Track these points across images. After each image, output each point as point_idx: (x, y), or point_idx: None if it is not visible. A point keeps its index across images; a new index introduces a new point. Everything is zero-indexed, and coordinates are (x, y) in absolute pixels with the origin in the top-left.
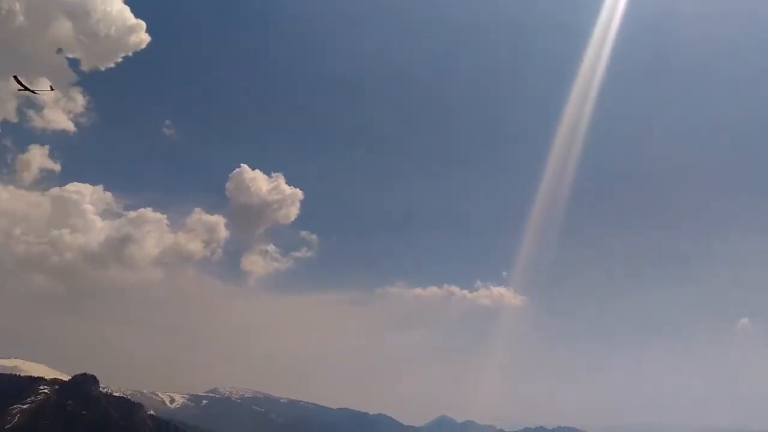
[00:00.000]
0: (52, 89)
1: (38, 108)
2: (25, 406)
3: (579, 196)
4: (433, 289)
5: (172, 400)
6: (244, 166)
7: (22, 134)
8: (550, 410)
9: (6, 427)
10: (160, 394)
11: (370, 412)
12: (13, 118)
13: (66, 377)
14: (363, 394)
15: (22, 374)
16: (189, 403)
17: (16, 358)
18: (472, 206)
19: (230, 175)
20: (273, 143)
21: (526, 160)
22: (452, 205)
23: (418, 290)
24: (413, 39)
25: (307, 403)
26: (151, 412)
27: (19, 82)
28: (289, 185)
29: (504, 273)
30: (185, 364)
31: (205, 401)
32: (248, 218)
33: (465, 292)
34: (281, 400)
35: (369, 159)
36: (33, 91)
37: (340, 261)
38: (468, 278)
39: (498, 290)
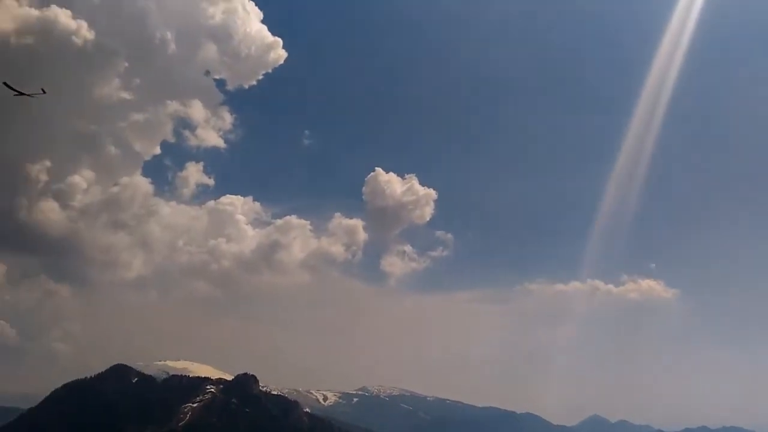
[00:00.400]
0: (43, 92)
1: (192, 128)
2: (195, 405)
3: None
4: (576, 284)
5: (325, 398)
6: (379, 170)
7: (179, 153)
8: (707, 409)
9: (180, 424)
10: (314, 392)
11: (518, 411)
12: (171, 138)
13: (229, 377)
14: (507, 393)
15: (191, 375)
16: (341, 401)
17: (185, 360)
18: (612, 196)
19: (366, 179)
20: (405, 146)
21: None
22: (590, 196)
23: (560, 286)
24: (539, 36)
25: (453, 401)
26: (307, 409)
27: (9, 87)
28: (423, 186)
29: (652, 265)
30: (335, 363)
31: (355, 399)
32: (385, 220)
33: (610, 286)
34: (428, 398)
35: (501, 156)
36: (29, 95)
37: (477, 259)
38: (613, 271)
39: (647, 283)
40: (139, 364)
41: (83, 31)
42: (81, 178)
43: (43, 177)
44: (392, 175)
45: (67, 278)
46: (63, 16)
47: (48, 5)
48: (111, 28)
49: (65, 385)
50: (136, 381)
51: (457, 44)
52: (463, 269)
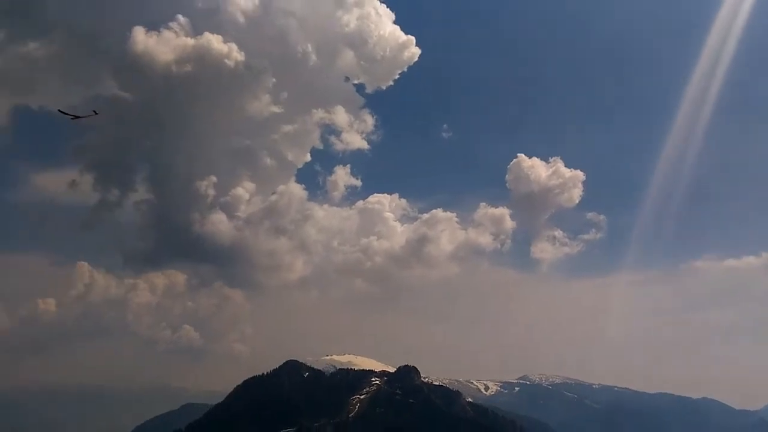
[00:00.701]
0: (95, 113)
1: (337, 133)
2: (362, 396)
3: None
4: (749, 259)
5: (487, 388)
6: (521, 156)
7: (328, 158)
8: None
9: (350, 415)
10: (474, 382)
11: (693, 396)
12: (319, 145)
13: (391, 369)
14: (677, 378)
15: (355, 368)
16: (502, 390)
17: (349, 354)
18: None
19: (508, 166)
20: (546, 129)
21: None
22: (758, 160)
23: (731, 261)
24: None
25: (620, 388)
26: (469, 399)
27: (65, 113)
28: (569, 168)
29: None
30: (491, 352)
31: (517, 388)
32: (532, 206)
33: None
34: (593, 386)
35: (652, 128)
36: (84, 117)
37: (634, 239)
38: None
39: None
40: (309, 359)
41: (234, 53)
42: (243, 190)
43: (211, 192)
44: (536, 160)
45: (239, 283)
46: (215, 42)
47: (201, 33)
48: (257, 48)
49: (245, 382)
50: (307, 375)
51: (590, 18)
52: (618, 250)
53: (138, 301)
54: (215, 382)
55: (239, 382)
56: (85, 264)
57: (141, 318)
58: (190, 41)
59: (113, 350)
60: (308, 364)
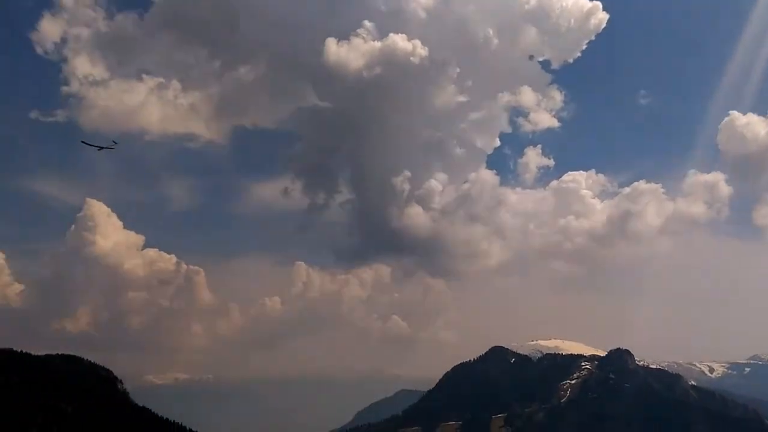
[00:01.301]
0: (115, 143)
1: (525, 114)
2: (573, 381)
3: None
4: None
5: (711, 370)
6: (734, 113)
7: (516, 141)
8: None
9: (561, 400)
10: (697, 364)
11: None
12: (507, 129)
13: (601, 353)
14: None
15: (563, 353)
16: (730, 371)
17: (555, 338)
18: None
19: (719, 126)
20: (762, 79)
21: None
22: None
23: None
24: None
25: None
26: (692, 382)
27: (88, 144)
28: None
29: None
30: (713, 331)
31: (747, 369)
32: (750, 169)
33: None
34: None
35: None
36: (108, 147)
37: None
38: None
39: None
40: (514, 344)
41: (418, 49)
42: (436, 182)
43: (406, 186)
44: (752, 116)
45: (440, 273)
46: (400, 41)
47: (387, 35)
48: (440, 40)
49: (453, 368)
50: (513, 361)
51: None
52: None
53: (350, 294)
54: (426, 369)
55: (448, 368)
56: (302, 263)
57: (354, 310)
58: (377, 44)
59: (332, 341)
60: (514, 350)
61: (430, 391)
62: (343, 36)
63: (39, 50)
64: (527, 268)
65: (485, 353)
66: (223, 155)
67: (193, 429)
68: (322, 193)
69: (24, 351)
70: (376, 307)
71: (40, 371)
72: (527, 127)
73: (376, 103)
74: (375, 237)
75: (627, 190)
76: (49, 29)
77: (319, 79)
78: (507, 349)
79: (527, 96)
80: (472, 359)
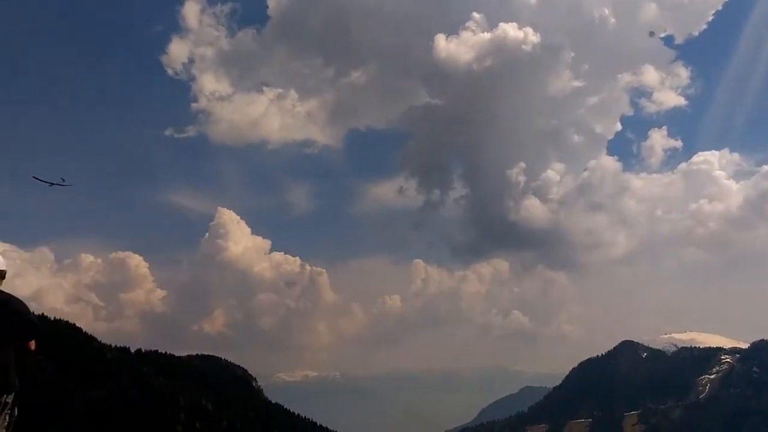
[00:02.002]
0: (63, 180)
1: (648, 94)
2: (712, 376)
3: None
4: None
5: None
6: None
7: (640, 123)
8: None
9: (700, 396)
10: None
11: None
12: (629, 111)
13: (743, 345)
14: None
15: (700, 346)
16: None
17: (690, 331)
18: None
19: None
20: None
21: None
22: None
23: None
24: None
25: None
26: None
27: (39, 180)
28: None
29: None
30: None
31: None
32: None
33: None
34: None
35: None
36: (58, 184)
37: None
38: None
39: None
40: (645, 338)
41: (530, 36)
42: (553, 172)
43: (521, 178)
44: None
45: (560, 265)
46: (510, 30)
47: (496, 25)
48: (552, 25)
49: (580, 364)
50: (645, 356)
51: None
52: None
53: (469, 290)
54: (550, 365)
55: (574, 364)
56: (420, 261)
57: (474, 306)
58: (487, 36)
59: (453, 337)
60: (645, 344)
61: (556, 388)
62: (452, 30)
63: (170, 72)
64: (656, 257)
65: (614, 348)
66: (339, 158)
67: (324, 425)
68: (437, 189)
69: (168, 352)
70: (496, 302)
71: (182, 370)
72: (651, 108)
73: (488, 95)
74: (491, 231)
75: (765, 168)
76: (178, 51)
77: (429, 77)
78: (637, 343)
79: (649, 75)
80: (599, 354)
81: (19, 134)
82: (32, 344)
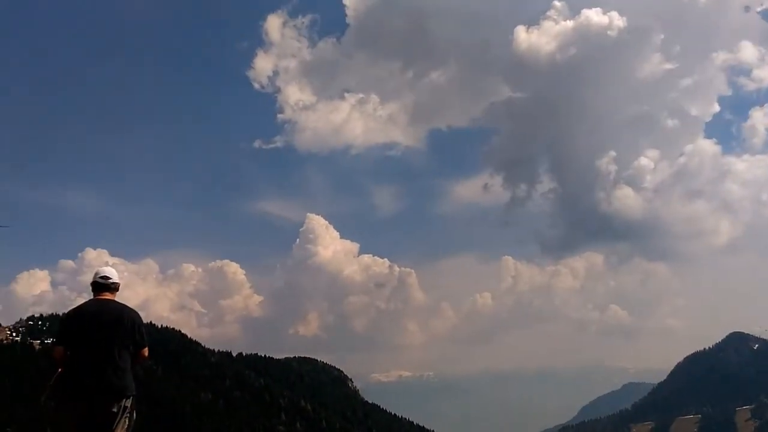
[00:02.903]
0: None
1: (746, 72)
2: None
3: None
4: None
5: None
6: None
7: (739, 103)
8: None
9: None
10: None
11: None
12: (726, 91)
13: None
14: None
15: None
16: None
17: None
18: None
19: None
20: None
21: None
22: None
23: None
24: None
25: None
26: None
27: None
28: None
29: None
30: None
31: None
32: None
33: None
34: None
35: None
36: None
37: None
38: None
39: None
40: (756, 329)
41: (615, 21)
42: (647, 159)
43: (612, 167)
44: None
45: (659, 256)
46: (595, 16)
47: (579, 12)
48: (639, 7)
49: (686, 358)
50: (756, 347)
51: None
52: None
53: (562, 285)
54: (653, 360)
55: (679, 358)
56: (509, 258)
57: (568, 302)
58: (569, 24)
59: (547, 334)
60: (756, 335)
61: (660, 384)
62: (533, 21)
63: (256, 86)
64: (764, 243)
65: (722, 340)
66: (422, 159)
67: (420, 424)
68: (523, 184)
69: (267, 355)
70: (591, 297)
71: (281, 372)
72: (750, 86)
73: (573, 85)
74: (582, 224)
75: None
76: (263, 65)
77: (510, 71)
78: (747, 334)
79: (747, 52)
80: (707, 347)
81: (123, 154)
82: (145, 352)
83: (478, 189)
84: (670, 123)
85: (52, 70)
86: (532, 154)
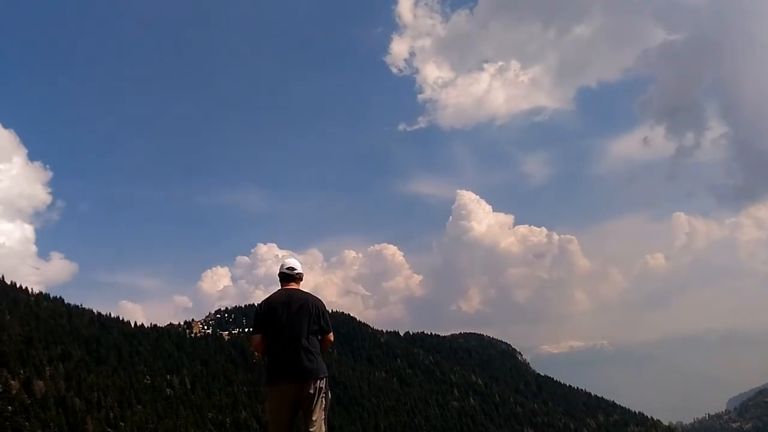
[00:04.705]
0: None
1: None
2: None
3: None
4: None
5: None
6: None
7: None
8: None
9: None
10: None
11: None
12: None
13: None
14: None
15: None
16: None
17: None
18: None
19: None
20: None
21: None
22: None
23: None
24: None
25: None
26: None
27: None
28: None
29: None
30: None
31: None
32: None
33: None
34: None
35: None
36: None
37: None
38: None
39: None
40: None
41: None
42: None
43: None
44: None
45: None
46: None
47: None
48: None
49: None
50: None
51: None
52: None
53: (745, 238)
54: None
55: None
56: (681, 214)
57: (755, 255)
58: None
59: (733, 292)
60: None
61: None
62: None
63: (394, 70)
64: None
65: None
66: (572, 120)
67: (597, 394)
68: (690, 132)
69: (433, 333)
70: None
71: (449, 349)
72: None
73: (736, 17)
74: (762, 169)
75: None
76: (399, 49)
77: (663, 11)
78: None
79: None
80: None
81: (281, 155)
82: (331, 336)
83: (636, 144)
84: None
85: (208, 84)
86: (697, 98)
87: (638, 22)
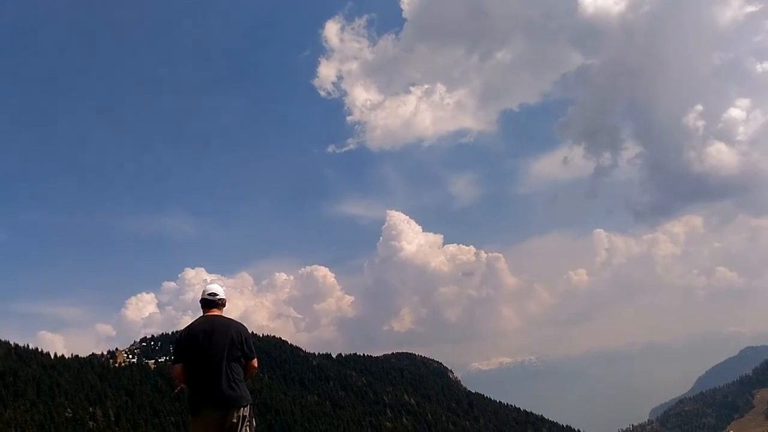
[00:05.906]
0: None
1: None
2: None
3: None
4: None
5: None
6: None
7: None
8: None
9: None
10: None
11: None
12: None
13: None
14: None
15: None
16: None
17: None
18: None
19: None
20: None
21: None
22: None
23: None
24: None
25: None
26: None
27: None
28: None
29: None
30: None
31: None
32: None
33: None
34: None
35: None
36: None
37: None
38: None
39: None
40: None
41: None
42: (737, 110)
43: (700, 123)
44: None
45: (766, 210)
46: None
47: None
48: None
49: None
50: None
51: None
52: None
53: (661, 253)
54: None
55: None
56: (601, 230)
57: (670, 269)
58: None
59: (652, 306)
60: None
61: None
62: None
63: (322, 93)
64: None
65: None
66: (496, 142)
67: (527, 409)
68: (607, 153)
69: (365, 354)
70: (695, 261)
71: (382, 369)
72: None
73: (649, 42)
74: (675, 187)
75: None
76: (327, 72)
77: (579, 38)
78: None
79: None
80: None
81: (208, 178)
82: (255, 363)
83: (557, 164)
84: (760, 68)
85: (132, 108)
86: (613, 120)
87: (556, 47)
